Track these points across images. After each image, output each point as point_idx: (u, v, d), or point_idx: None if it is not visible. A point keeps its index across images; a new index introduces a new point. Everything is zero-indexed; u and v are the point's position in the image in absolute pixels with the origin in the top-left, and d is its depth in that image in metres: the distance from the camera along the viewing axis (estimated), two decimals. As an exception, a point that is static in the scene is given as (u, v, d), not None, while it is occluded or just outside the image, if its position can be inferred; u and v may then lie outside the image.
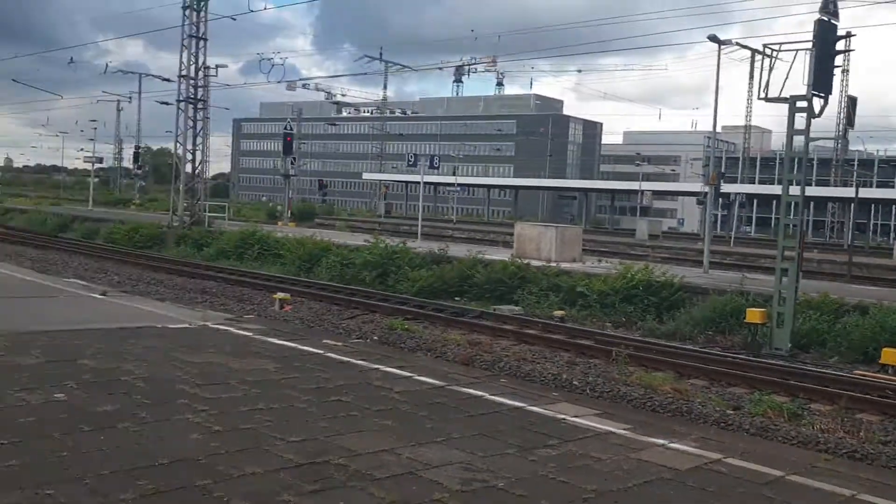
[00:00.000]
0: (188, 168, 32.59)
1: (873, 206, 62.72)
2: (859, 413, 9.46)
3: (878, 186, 68.40)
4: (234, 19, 32.10)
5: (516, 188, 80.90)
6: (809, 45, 13.17)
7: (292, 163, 47.51)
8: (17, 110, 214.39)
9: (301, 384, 7.01)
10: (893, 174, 72.77)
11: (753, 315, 13.50)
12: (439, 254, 22.58)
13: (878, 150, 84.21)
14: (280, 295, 17.93)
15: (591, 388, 10.33)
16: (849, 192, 46.01)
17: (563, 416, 6.59)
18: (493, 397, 7.08)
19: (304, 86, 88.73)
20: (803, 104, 13.28)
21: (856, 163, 74.18)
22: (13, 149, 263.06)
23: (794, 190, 14.59)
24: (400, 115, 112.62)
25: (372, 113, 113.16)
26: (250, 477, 4.64)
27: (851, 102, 21.78)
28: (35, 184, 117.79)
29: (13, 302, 10.88)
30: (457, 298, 19.43)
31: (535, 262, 20.83)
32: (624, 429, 6.35)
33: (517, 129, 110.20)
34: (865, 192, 49.39)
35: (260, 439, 5.35)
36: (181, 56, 31.55)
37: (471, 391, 7.27)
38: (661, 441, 6.06)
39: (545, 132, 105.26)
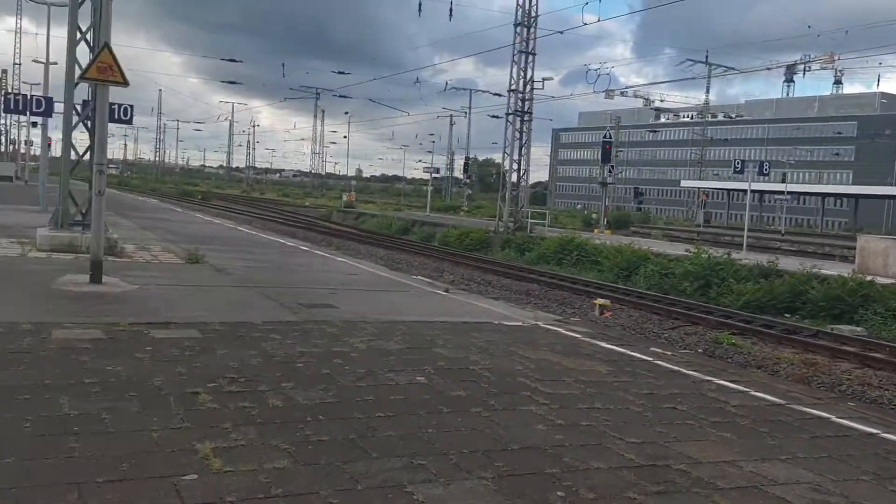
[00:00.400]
0: (514, 177, 34.27)
1: None
2: None
3: None
4: (562, 33, 32.98)
5: (856, 197, 73.17)
6: None
7: (610, 171, 47.72)
8: (369, 126, 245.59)
9: (633, 388, 7.15)
10: None
11: None
12: (767, 266, 21.38)
13: None
14: (600, 301, 18.25)
15: (955, 422, 9.19)
16: None
17: (926, 449, 5.99)
18: (840, 420, 6.64)
19: (622, 93, 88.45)
20: None
21: None
22: (363, 160, 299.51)
23: None
24: (723, 119, 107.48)
25: (692, 118, 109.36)
26: (594, 471, 4.89)
27: None
28: (380, 191, 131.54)
29: (375, 294, 12.35)
30: (787, 315, 18.31)
31: (881, 279, 18.87)
32: None
33: (858, 131, 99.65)
34: None
35: (600, 437, 5.59)
36: (511, 71, 33.31)
37: (814, 412, 6.87)
38: None
39: (893, 134, 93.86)
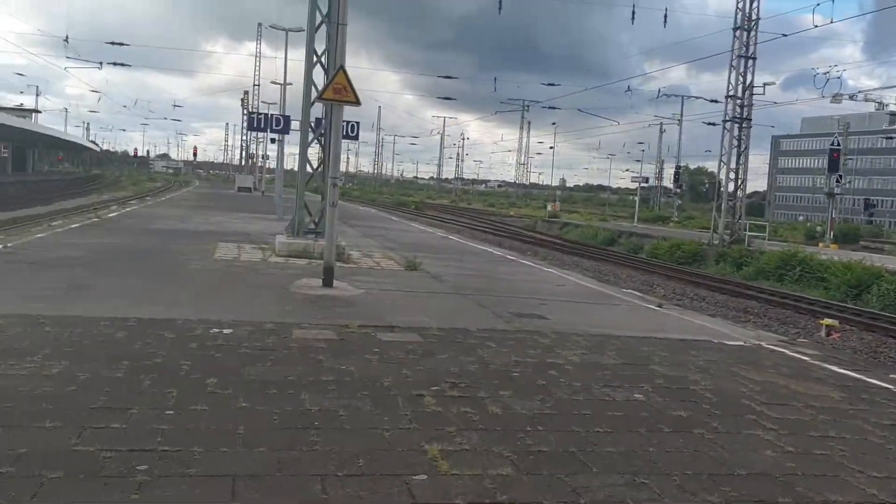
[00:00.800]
0: (730, 187, 32.75)
1: None
2: None
3: None
4: (786, 36, 30.98)
5: None
6: None
7: (837, 180, 44.36)
8: (576, 136, 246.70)
9: (872, 417, 6.62)
10: None
11: None
12: None
13: None
14: (827, 321, 17.04)
15: None
16: None
17: None
18: None
19: (850, 97, 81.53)
20: None
21: None
22: (567, 170, 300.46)
23: None
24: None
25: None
26: (831, 504, 4.61)
27: None
28: (584, 201, 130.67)
29: (584, 306, 12.30)
30: None
31: None
32: None
33: None
34: None
35: (837, 468, 5.24)
36: (729, 76, 31.94)
37: None
38: None
39: None
